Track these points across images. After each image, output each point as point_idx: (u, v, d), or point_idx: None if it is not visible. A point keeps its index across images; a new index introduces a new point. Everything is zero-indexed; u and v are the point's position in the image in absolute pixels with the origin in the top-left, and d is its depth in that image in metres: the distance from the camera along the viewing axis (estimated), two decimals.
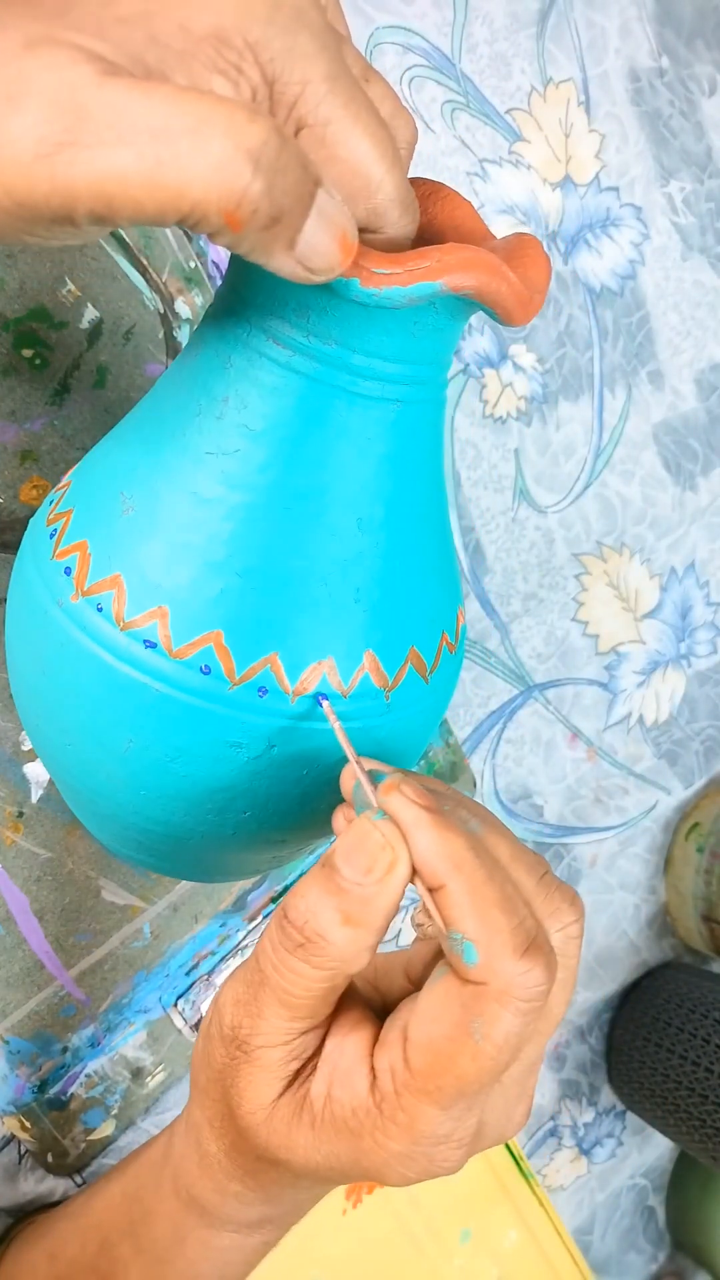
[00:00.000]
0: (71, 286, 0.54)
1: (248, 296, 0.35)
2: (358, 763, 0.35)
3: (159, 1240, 0.44)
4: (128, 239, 0.55)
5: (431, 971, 0.37)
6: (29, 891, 0.56)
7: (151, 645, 0.36)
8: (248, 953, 0.64)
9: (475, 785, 0.73)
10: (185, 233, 0.54)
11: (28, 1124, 0.58)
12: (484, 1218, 0.78)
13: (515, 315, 0.33)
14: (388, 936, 0.73)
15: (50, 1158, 0.59)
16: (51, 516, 0.40)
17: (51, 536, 0.40)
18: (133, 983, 0.60)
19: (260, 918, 0.64)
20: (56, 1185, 0.60)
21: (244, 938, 0.64)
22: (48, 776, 0.56)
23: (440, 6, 0.66)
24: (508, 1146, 0.77)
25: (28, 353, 0.53)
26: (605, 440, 0.78)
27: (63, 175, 0.25)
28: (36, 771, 0.55)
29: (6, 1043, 0.56)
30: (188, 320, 0.58)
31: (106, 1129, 0.61)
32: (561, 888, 0.36)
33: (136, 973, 0.60)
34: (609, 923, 0.85)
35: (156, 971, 0.61)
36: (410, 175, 0.34)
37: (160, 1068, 0.62)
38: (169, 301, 0.57)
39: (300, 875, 0.65)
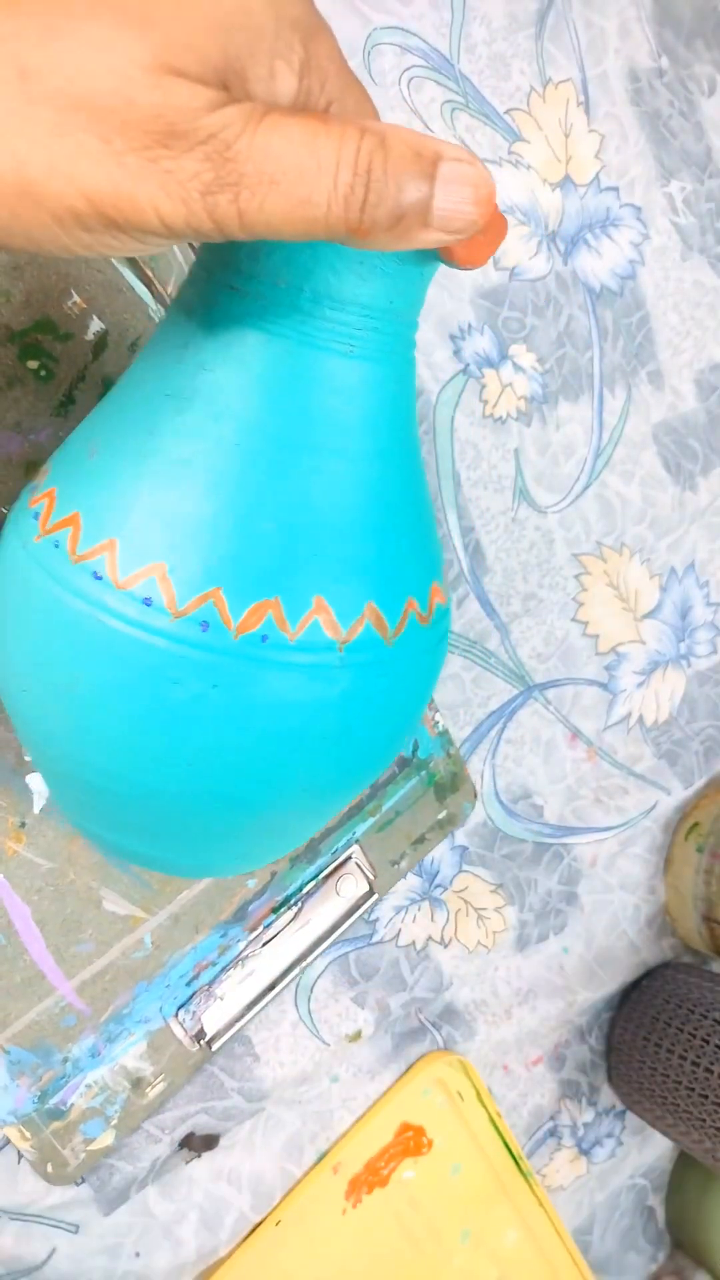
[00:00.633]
0: (77, 298, 0.53)
1: (209, 249, 0.37)
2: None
3: None
4: None
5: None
6: (30, 901, 0.56)
7: (99, 577, 0.37)
8: (248, 963, 0.64)
9: (476, 794, 0.73)
10: (190, 245, 0.54)
11: (28, 1134, 0.58)
12: (483, 1218, 0.78)
13: (463, 255, 0.35)
14: (381, 936, 0.73)
15: (50, 1167, 0.59)
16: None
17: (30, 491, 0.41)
18: (133, 993, 0.60)
19: (261, 927, 0.64)
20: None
21: (245, 948, 0.64)
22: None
23: (438, 7, 0.65)
24: (507, 1146, 0.77)
25: (33, 364, 0.53)
26: (605, 440, 0.78)
27: (222, 211, 0.29)
28: (39, 782, 0.55)
29: (7, 1052, 0.56)
30: None
31: (106, 1139, 0.61)
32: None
33: (137, 983, 0.60)
34: (609, 923, 0.85)
35: (157, 982, 0.61)
36: None
37: (160, 1078, 0.62)
38: None
39: (300, 885, 0.65)
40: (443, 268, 0.40)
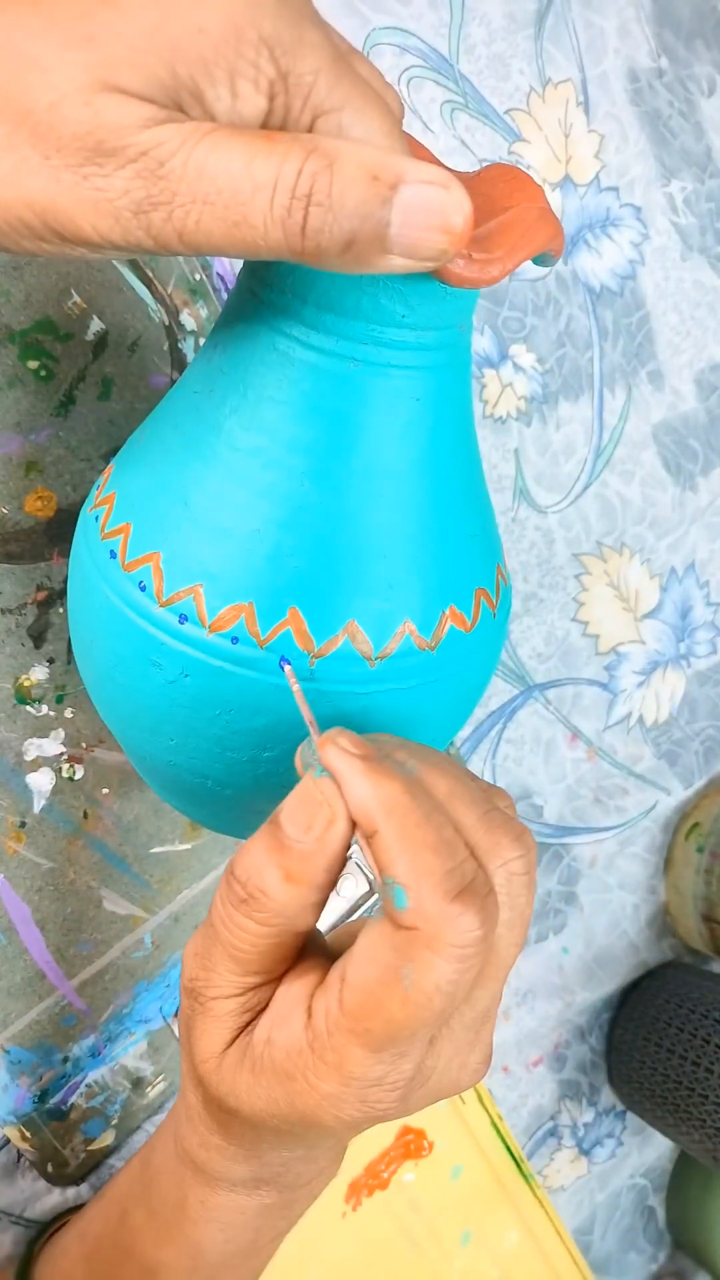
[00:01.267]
0: (77, 299, 0.53)
1: (265, 274, 0.36)
2: (310, 721, 0.36)
3: (166, 1201, 0.44)
4: None
5: None
6: (31, 901, 0.56)
7: (113, 555, 0.40)
8: None
9: None
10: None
11: (28, 1134, 0.58)
12: (484, 1219, 0.78)
13: (560, 248, 0.35)
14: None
15: (50, 1167, 0.59)
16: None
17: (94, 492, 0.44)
18: (133, 993, 0.60)
19: None
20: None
21: None
22: (50, 786, 0.55)
23: (437, 8, 0.65)
24: (508, 1147, 0.77)
25: (33, 364, 0.53)
26: (605, 440, 0.78)
27: (157, 229, 0.29)
28: (39, 781, 0.55)
29: (7, 1052, 0.56)
30: (193, 332, 0.57)
31: (107, 1139, 0.61)
32: (507, 823, 0.36)
33: (137, 983, 0.60)
34: (609, 923, 0.85)
35: (157, 982, 0.61)
36: None
37: (160, 1078, 0.62)
38: (174, 313, 0.57)
39: None
40: None
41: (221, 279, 0.58)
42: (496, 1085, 0.80)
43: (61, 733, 0.56)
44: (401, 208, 0.29)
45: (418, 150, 0.36)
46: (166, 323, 0.57)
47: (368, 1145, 0.73)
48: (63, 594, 0.55)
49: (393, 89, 0.37)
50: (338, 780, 0.34)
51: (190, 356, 0.58)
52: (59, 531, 0.54)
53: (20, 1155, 0.59)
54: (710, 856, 0.85)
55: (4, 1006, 0.56)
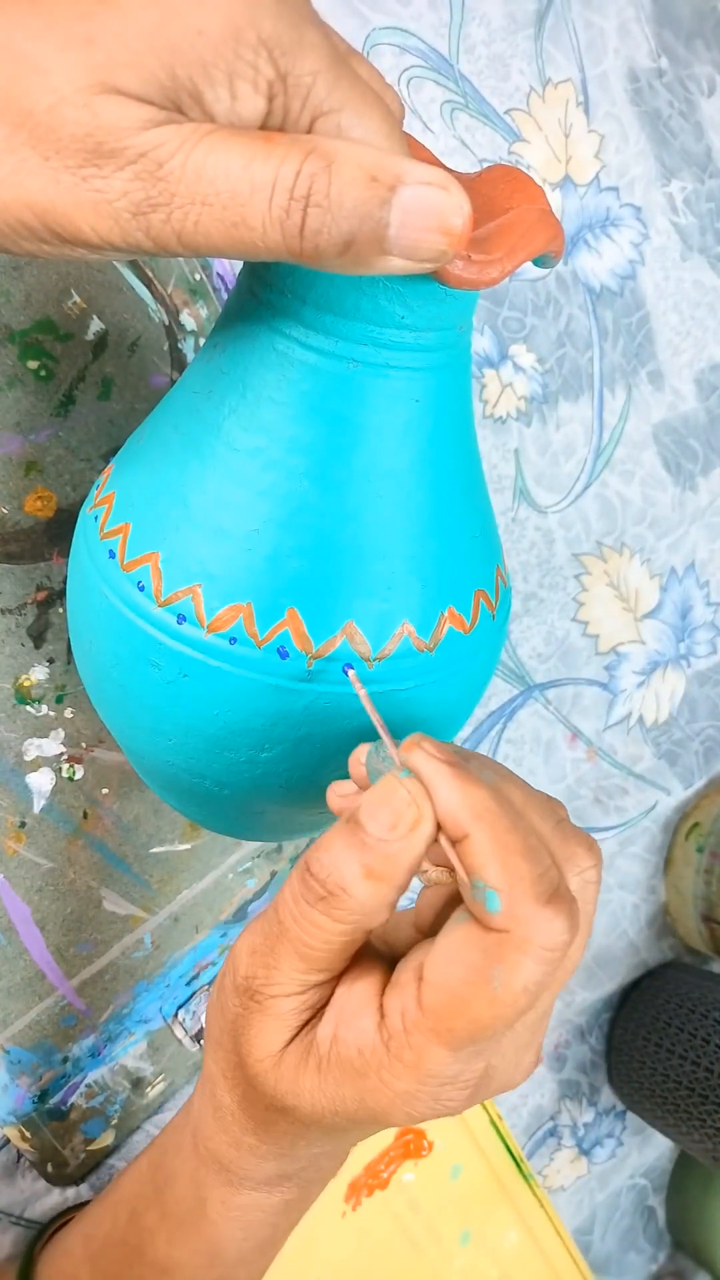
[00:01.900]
0: (77, 299, 0.53)
1: (264, 274, 0.36)
2: (381, 725, 0.36)
3: (182, 1202, 0.45)
4: None
5: (443, 920, 0.38)
6: (31, 901, 0.56)
7: (112, 555, 0.40)
8: None
9: None
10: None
11: (28, 1134, 0.58)
12: (484, 1219, 0.78)
13: (561, 250, 0.35)
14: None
15: (50, 1168, 0.59)
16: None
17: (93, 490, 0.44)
18: (133, 993, 0.60)
19: None
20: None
21: None
22: (50, 786, 0.55)
23: (437, 8, 0.65)
24: (507, 1147, 0.77)
25: (33, 364, 0.53)
26: (605, 440, 0.78)
27: (156, 230, 0.29)
28: (39, 781, 0.55)
29: (7, 1052, 0.56)
30: (193, 332, 0.57)
31: (106, 1139, 0.61)
32: (578, 833, 0.37)
33: (137, 983, 0.60)
34: (609, 923, 0.85)
35: (157, 982, 0.61)
36: None
37: (160, 1078, 0.62)
38: (174, 313, 0.57)
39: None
40: None
41: (221, 279, 0.58)
42: None
43: (61, 733, 0.56)
44: (400, 209, 0.29)
45: (418, 151, 0.36)
46: (166, 323, 0.57)
47: (368, 1145, 0.73)
48: (62, 594, 0.55)
49: (392, 90, 0.37)
50: (425, 783, 0.34)
51: (190, 356, 0.58)
52: (59, 531, 0.54)
53: (20, 1155, 0.59)
54: (710, 856, 0.85)
55: (4, 1006, 0.56)
